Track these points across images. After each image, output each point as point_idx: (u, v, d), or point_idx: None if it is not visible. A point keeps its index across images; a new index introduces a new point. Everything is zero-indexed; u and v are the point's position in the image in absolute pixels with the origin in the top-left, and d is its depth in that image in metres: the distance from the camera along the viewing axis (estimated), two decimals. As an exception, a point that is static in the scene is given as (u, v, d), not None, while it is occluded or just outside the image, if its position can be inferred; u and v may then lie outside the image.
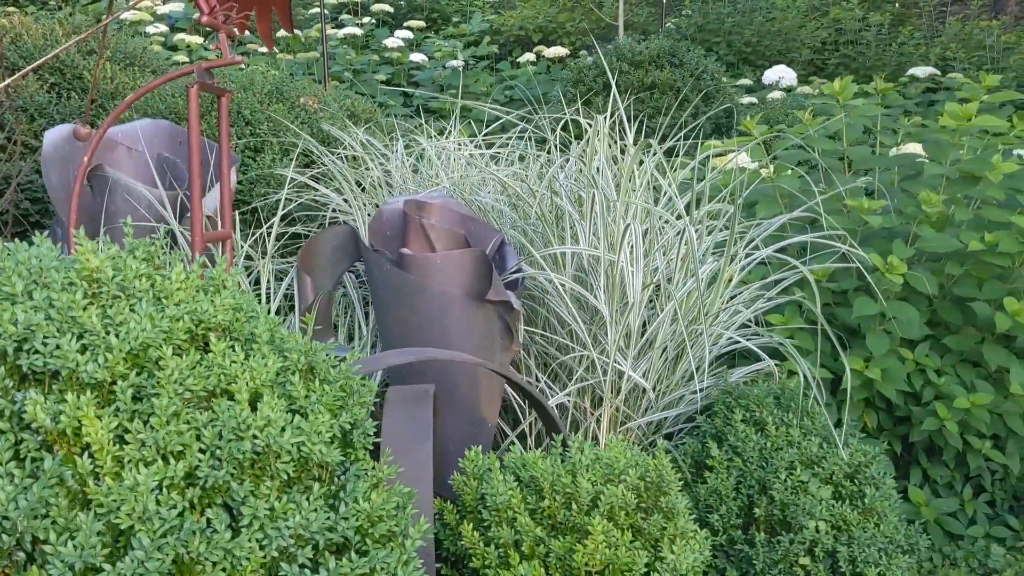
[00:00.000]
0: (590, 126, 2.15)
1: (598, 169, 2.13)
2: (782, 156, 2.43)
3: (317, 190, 2.56)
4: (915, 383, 2.16)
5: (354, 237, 2.02)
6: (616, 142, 2.16)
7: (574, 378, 1.98)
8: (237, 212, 2.61)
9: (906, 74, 6.03)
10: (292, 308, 2.24)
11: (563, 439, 1.62)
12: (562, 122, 2.35)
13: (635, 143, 2.23)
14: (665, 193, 2.06)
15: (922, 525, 2.15)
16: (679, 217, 2.03)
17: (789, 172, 2.42)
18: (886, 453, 2.19)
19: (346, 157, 2.75)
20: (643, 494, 1.55)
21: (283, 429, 1.17)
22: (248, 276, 2.10)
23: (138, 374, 1.14)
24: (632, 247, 1.81)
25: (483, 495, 1.52)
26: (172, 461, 1.06)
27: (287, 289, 2.08)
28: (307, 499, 1.16)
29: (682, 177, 2.19)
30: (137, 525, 1.01)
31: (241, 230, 2.63)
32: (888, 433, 2.22)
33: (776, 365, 2.00)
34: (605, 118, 2.23)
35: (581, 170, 2.11)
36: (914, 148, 2.56)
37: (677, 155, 2.24)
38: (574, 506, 1.47)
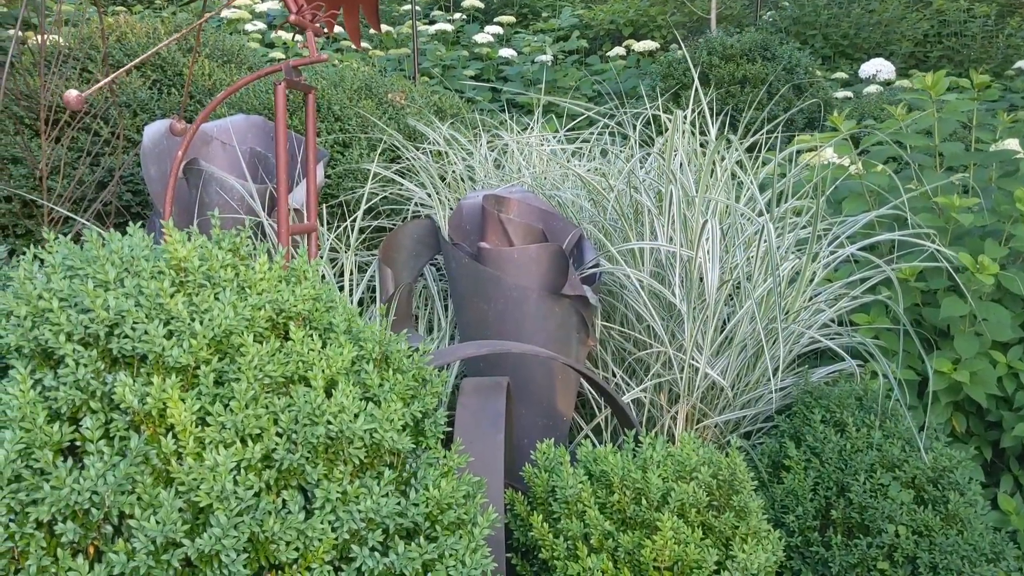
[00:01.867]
0: (697, 118, 2.14)
1: (681, 165, 2.12)
2: (871, 152, 2.37)
3: (401, 184, 2.61)
4: (1007, 387, 2.08)
5: (434, 230, 2.06)
6: (697, 137, 2.15)
7: (650, 374, 1.98)
8: (325, 206, 2.68)
9: (1012, 67, 5.80)
10: (375, 299, 2.29)
11: (635, 434, 1.62)
12: (645, 117, 2.34)
13: (719, 138, 2.21)
14: (747, 189, 2.04)
15: (1011, 534, 2.07)
16: (760, 214, 2.00)
17: (878, 168, 2.36)
18: (975, 459, 2.13)
19: (431, 152, 2.80)
20: (715, 492, 1.54)
21: (356, 416, 1.21)
22: (333, 268, 2.16)
23: (220, 359, 1.19)
24: (711, 244, 1.80)
25: (553, 487, 1.53)
26: (250, 443, 1.11)
27: (369, 280, 2.13)
28: (378, 484, 1.19)
29: (765, 173, 2.16)
30: (215, 504, 1.05)
31: (328, 223, 2.70)
32: (978, 438, 2.16)
33: (859, 366, 1.96)
34: (687, 112, 2.22)
35: (661, 166, 2.10)
36: (1013, 144, 2.47)
37: (761, 150, 2.21)
38: (644, 501, 1.47)
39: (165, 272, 1.23)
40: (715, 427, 2.00)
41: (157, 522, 1.04)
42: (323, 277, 2.07)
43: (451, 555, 1.23)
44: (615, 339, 2.11)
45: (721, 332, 1.96)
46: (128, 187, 3.05)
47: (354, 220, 2.21)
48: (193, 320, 1.19)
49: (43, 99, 2.62)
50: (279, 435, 1.15)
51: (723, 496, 1.54)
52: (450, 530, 1.27)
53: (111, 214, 2.85)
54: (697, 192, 1.84)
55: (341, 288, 2.08)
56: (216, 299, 1.24)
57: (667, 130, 2.15)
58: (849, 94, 5.16)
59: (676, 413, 1.98)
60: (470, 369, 2.05)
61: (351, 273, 2.09)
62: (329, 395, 1.23)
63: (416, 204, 2.58)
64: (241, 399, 1.11)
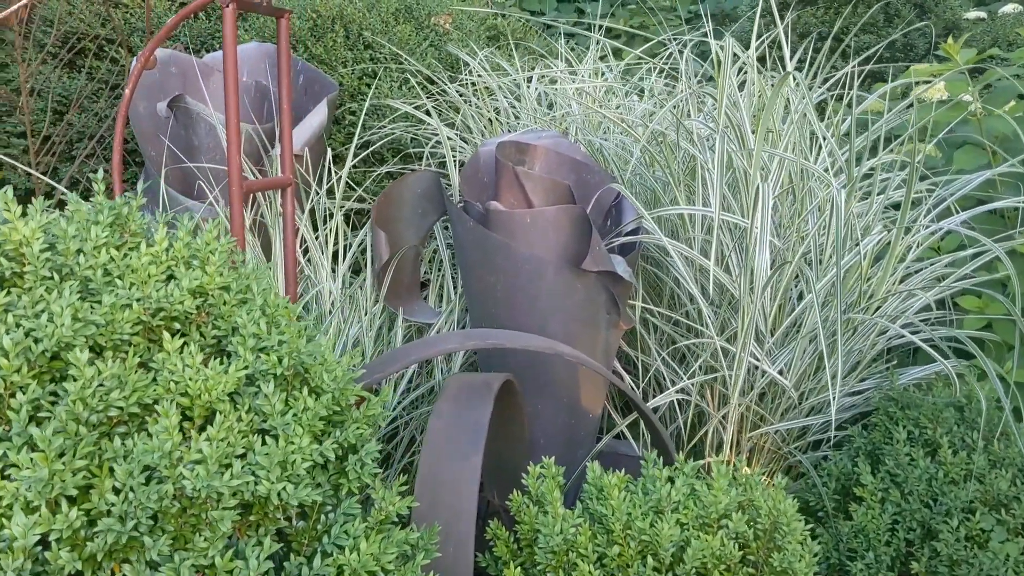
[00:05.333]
0: (773, 50, 1.72)
1: (764, 109, 1.71)
2: (995, 89, 1.90)
3: (428, 124, 2.26)
4: None
5: (438, 185, 1.72)
6: (759, 69, 1.72)
7: (697, 365, 1.61)
8: (344, 147, 2.36)
9: None
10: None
11: (653, 457, 1.27)
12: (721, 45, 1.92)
13: (815, 69, 1.77)
14: (827, 140, 1.61)
15: None
16: (838, 172, 1.58)
17: (1006, 109, 1.89)
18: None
19: (470, 86, 2.43)
20: (751, 544, 1.18)
21: (239, 457, 0.90)
22: (324, 228, 1.83)
23: (52, 383, 0.89)
24: (762, 213, 1.40)
25: (539, 531, 1.20)
26: (64, 507, 0.81)
27: (360, 244, 1.80)
28: (258, 556, 0.88)
29: (854, 116, 1.73)
30: (-9, 603, 0.76)
31: (354, 167, 2.39)
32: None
33: (964, 367, 1.55)
34: (766, 36, 1.79)
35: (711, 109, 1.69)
36: None
37: (850, 87, 1.77)
38: (651, 560, 1.13)
39: (-4, 260, 0.93)
40: (775, 434, 1.63)
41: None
42: (304, 249, 1.75)
43: (370, 642, 0.93)
44: (659, 319, 1.74)
45: (786, 319, 1.57)
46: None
47: (338, 172, 1.87)
48: (19, 328, 0.89)
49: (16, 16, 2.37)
50: (117, 491, 0.85)
51: (762, 549, 1.19)
52: (373, 607, 0.96)
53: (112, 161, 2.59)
54: (755, 144, 1.44)
55: (336, 255, 1.76)
56: (60, 296, 0.93)
57: (769, 58, 1.73)
58: (982, 14, 4.51)
59: (728, 416, 1.61)
60: (481, 355, 1.72)
61: (337, 235, 1.76)
62: (202, 430, 0.93)
63: (444, 147, 2.23)
64: (46, 447, 0.81)
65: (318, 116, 1.95)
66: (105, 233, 1.02)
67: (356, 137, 1.90)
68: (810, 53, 2.05)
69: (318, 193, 1.80)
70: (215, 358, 0.97)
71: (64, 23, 2.89)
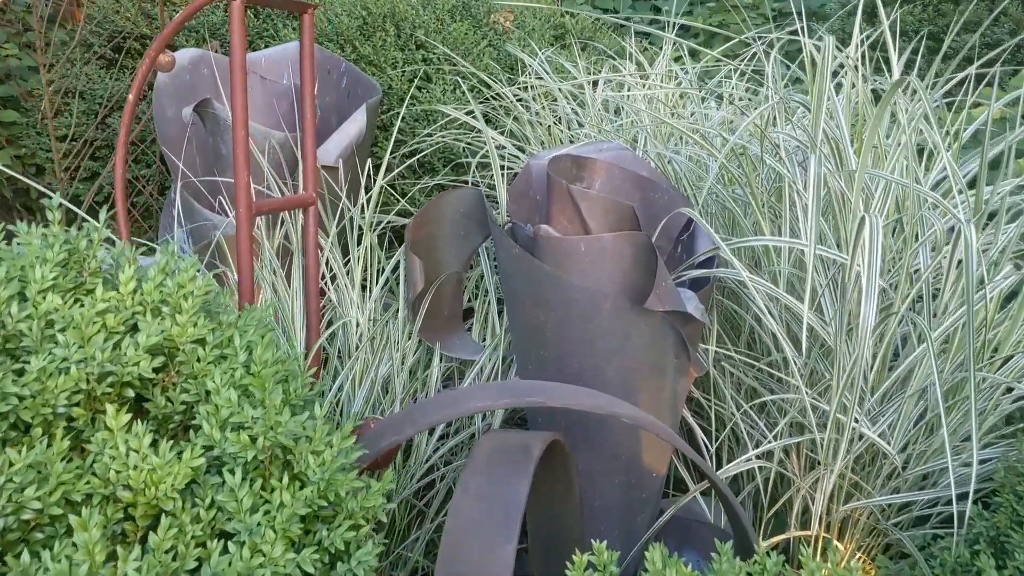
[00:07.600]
0: (874, 51, 1.47)
1: (871, 121, 1.46)
2: None
3: (479, 132, 2.05)
4: None
5: (482, 202, 1.51)
6: (861, 73, 1.46)
7: (783, 424, 1.37)
8: (391, 155, 2.16)
9: None
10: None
11: (727, 549, 1.03)
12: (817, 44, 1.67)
13: (918, 73, 1.52)
14: (939, 158, 1.36)
15: None
16: (948, 194, 1.32)
17: None
18: None
19: (533, 89, 2.22)
20: (847, 671, 0.94)
21: (187, 575, 0.70)
22: (355, 250, 1.63)
23: (-48, 474, 0.70)
24: (867, 249, 1.15)
25: (581, 642, 0.98)
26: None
27: (395, 270, 1.59)
28: None
29: (972, 129, 1.46)
30: None
31: (402, 176, 2.19)
32: None
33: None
34: (863, 36, 1.54)
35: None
36: None
37: (967, 92, 1.51)
38: None
39: (-100, 313, 0.75)
40: (876, 507, 1.37)
41: None
42: (330, 275, 1.55)
43: None
44: (739, 364, 1.50)
45: (887, 370, 1.32)
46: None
47: (381, 184, 1.66)
48: (-84, 403, 0.70)
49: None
50: (20, 624, 0.66)
51: None
52: None
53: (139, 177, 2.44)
54: (857, 164, 1.20)
55: (366, 286, 1.55)
56: (-22, 361, 0.74)
57: (863, 59, 1.48)
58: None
59: (818, 482, 1.36)
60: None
61: (368, 258, 1.54)
62: (148, 535, 0.73)
63: (492, 158, 2.02)
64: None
65: (355, 124, 1.75)
66: (53, 274, 0.83)
67: (393, 144, 1.70)
68: (907, 55, 1.79)
69: (350, 210, 1.61)
70: (170, 438, 0.78)
71: (110, 21, 2.76)
